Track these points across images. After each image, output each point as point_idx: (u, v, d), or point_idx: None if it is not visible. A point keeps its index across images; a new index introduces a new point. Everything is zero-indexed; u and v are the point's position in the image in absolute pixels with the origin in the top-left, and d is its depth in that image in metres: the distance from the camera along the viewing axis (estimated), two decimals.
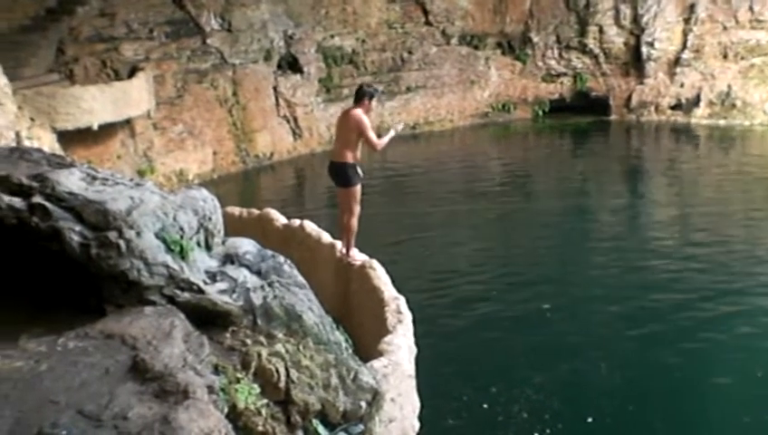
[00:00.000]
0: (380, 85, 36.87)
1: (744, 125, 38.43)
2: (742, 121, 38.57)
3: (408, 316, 10.19)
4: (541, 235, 25.93)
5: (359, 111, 11.92)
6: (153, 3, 31.66)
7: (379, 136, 12.31)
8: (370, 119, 12.01)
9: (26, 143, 19.57)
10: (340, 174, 12.08)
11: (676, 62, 40.11)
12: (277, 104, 35.34)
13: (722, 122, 38.82)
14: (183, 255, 6.52)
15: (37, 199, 6.31)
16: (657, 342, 18.34)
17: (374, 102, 12.11)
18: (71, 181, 6.50)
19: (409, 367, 8.97)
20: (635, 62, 40.98)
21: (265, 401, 6.22)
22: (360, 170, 12.05)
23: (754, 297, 20.50)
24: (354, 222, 12.15)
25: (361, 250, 12.36)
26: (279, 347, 6.56)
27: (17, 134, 20.46)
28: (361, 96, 12.03)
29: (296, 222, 13.63)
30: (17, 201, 6.35)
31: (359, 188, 12.10)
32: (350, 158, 11.92)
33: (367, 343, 9.58)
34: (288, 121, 35.59)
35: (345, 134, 12.02)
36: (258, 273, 6.92)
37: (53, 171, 6.70)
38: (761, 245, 24.60)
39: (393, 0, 39.43)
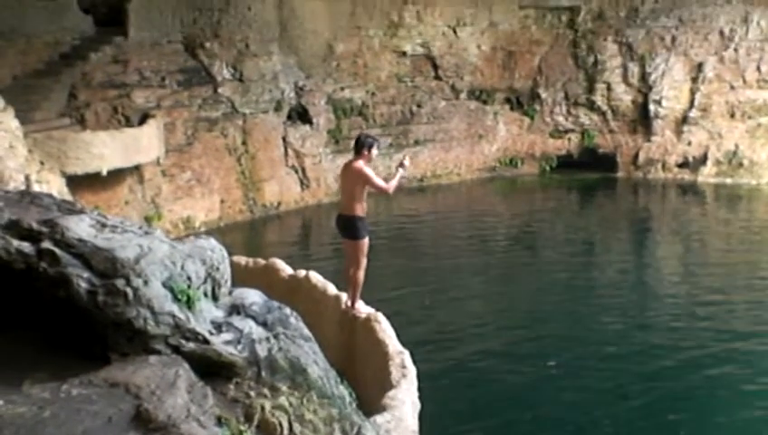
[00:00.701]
0: (389, 138, 37.11)
1: (750, 184, 38.48)
2: (749, 181, 38.62)
3: (412, 371, 10.16)
4: (546, 290, 25.88)
5: (360, 163, 11.94)
6: (166, 51, 31.94)
7: (386, 180, 12.31)
8: (373, 168, 12.03)
9: (35, 187, 19.63)
10: (348, 227, 12.09)
11: (684, 120, 40.28)
12: (286, 154, 35.47)
13: (729, 181, 38.87)
14: (190, 304, 6.51)
15: (46, 245, 6.32)
16: (662, 399, 18.22)
17: (374, 151, 12.08)
18: (80, 228, 6.52)
19: (413, 422, 8.93)
20: (642, 120, 41.16)
21: None
22: (367, 224, 12.07)
23: (760, 357, 20.39)
24: (360, 275, 12.15)
25: (366, 302, 12.35)
26: (283, 400, 6.52)
27: (27, 177, 20.57)
28: (360, 146, 12.03)
29: (302, 273, 13.64)
30: (26, 246, 6.36)
31: (366, 241, 12.10)
32: (358, 211, 11.94)
33: (370, 398, 9.54)
34: (296, 172, 35.70)
35: (350, 187, 12.03)
36: (264, 324, 6.90)
37: (63, 217, 6.72)
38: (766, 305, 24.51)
39: (403, 54, 39.75)
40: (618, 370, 19.88)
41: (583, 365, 20.08)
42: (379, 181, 11.91)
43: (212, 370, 6.43)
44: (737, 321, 22.88)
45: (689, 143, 40.14)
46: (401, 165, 12.35)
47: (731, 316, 23.14)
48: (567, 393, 18.57)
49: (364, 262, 12.14)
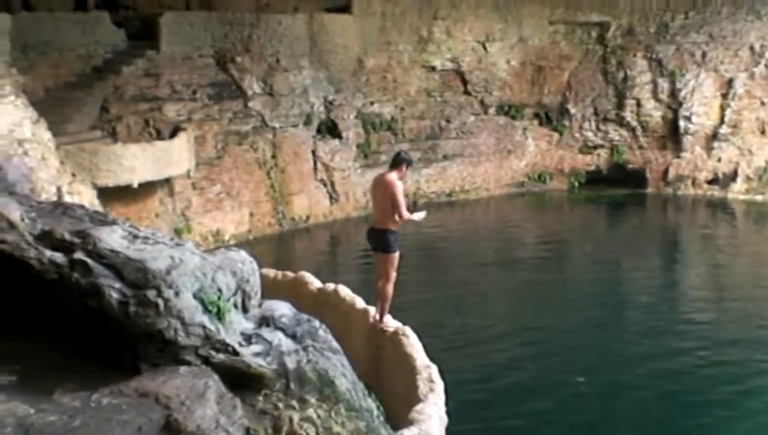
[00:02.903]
0: (418, 152, 37.15)
1: None
2: None
3: (439, 385, 10.15)
4: (575, 306, 25.74)
5: (393, 176, 12.02)
6: (197, 65, 32.11)
7: (414, 206, 12.40)
8: (404, 185, 12.10)
9: (67, 198, 19.79)
10: (381, 240, 12.12)
11: (714, 136, 40.06)
12: (315, 168, 35.56)
13: (759, 198, 38.59)
14: (220, 316, 6.57)
15: (79, 255, 6.39)
16: (689, 416, 18.13)
17: (405, 170, 12.24)
18: (112, 239, 6.59)
19: None
20: (672, 136, 40.97)
21: None
22: (398, 237, 12.10)
23: None
24: (389, 288, 12.16)
25: (394, 316, 12.35)
26: (311, 412, 6.55)
27: (58, 189, 20.75)
28: (399, 163, 12.15)
29: (330, 286, 13.66)
30: (59, 256, 6.43)
31: (397, 254, 12.13)
32: (391, 224, 11.98)
33: (397, 411, 9.54)
34: (325, 185, 35.78)
35: (383, 200, 12.08)
36: (293, 336, 6.94)
37: (95, 228, 6.79)
38: None
39: (433, 69, 39.80)
40: (645, 387, 19.74)
41: (614, 382, 19.96)
42: (402, 201, 11.93)
43: (241, 381, 6.47)
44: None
45: (719, 160, 39.93)
46: (418, 213, 12.45)
47: (762, 335, 22.92)
48: (596, 410, 18.47)
49: (394, 275, 12.16)
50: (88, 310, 6.41)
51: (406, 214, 12.05)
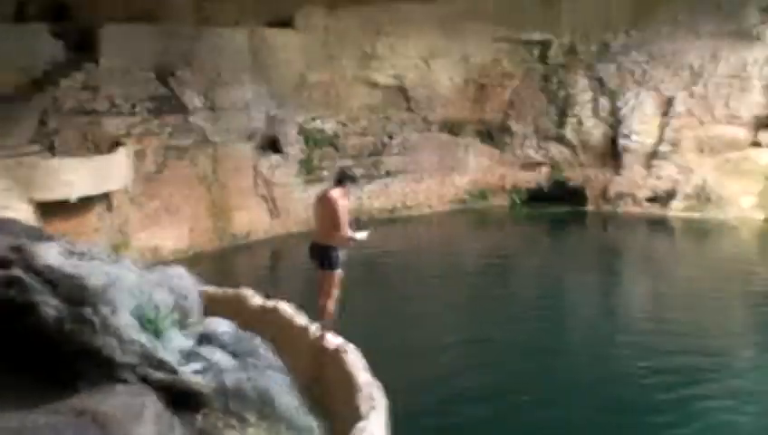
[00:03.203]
0: (360, 168, 37.17)
1: (719, 219, 38.71)
2: (717, 215, 38.86)
3: (381, 403, 10.09)
4: (516, 323, 25.84)
5: (337, 193, 11.93)
6: (137, 78, 31.81)
7: (358, 224, 12.33)
8: (348, 201, 12.01)
9: (2, 213, 19.45)
10: (323, 256, 12.02)
11: (654, 154, 40.62)
12: (256, 184, 35.40)
13: (697, 215, 39.12)
14: (157, 333, 6.47)
15: (15, 272, 6.25)
16: (629, 424, 18.29)
17: (349, 187, 12.14)
18: (49, 255, 6.47)
19: None
20: (612, 154, 41.49)
21: None
22: (343, 256, 12.01)
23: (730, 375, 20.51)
24: (331, 305, 12.06)
25: (336, 333, 12.26)
26: (251, 431, 6.47)
27: None
28: (343, 180, 12.06)
29: (271, 303, 13.54)
30: None
31: (340, 272, 12.04)
32: (333, 241, 11.90)
33: (340, 429, 9.46)
34: (266, 201, 35.62)
35: (324, 216, 11.99)
36: (233, 354, 6.86)
37: (32, 244, 6.66)
38: (731, 339, 24.63)
39: (376, 85, 39.88)
40: (586, 402, 19.86)
41: (556, 399, 20.03)
42: (344, 219, 11.84)
43: (180, 399, 6.37)
44: (705, 350, 22.94)
45: (659, 177, 40.45)
46: (361, 232, 12.34)
47: (699, 345, 23.19)
48: (540, 428, 18.52)
49: (336, 293, 12.06)
50: (24, 327, 6.27)
51: (348, 232, 11.96)
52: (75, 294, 6.21)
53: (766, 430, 18.20)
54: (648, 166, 40.65)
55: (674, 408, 19.22)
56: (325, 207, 12.00)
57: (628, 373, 21.41)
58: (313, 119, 37.97)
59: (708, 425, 18.45)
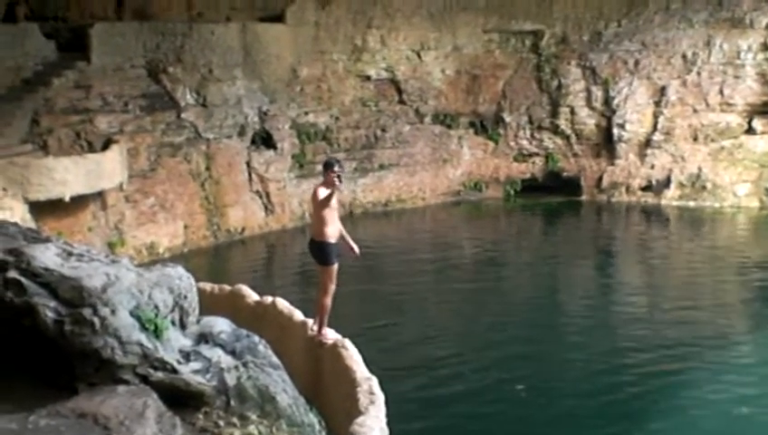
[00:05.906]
0: (353, 162, 37.18)
1: (713, 207, 38.83)
2: (712, 203, 38.97)
3: (380, 397, 10.11)
4: (512, 314, 25.92)
5: (321, 186, 11.85)
6: (129, 76, 31.75)
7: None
8: (338, 189, 11.76)
9: None
10: (318, 252, 12.04)
11: (647, 143, 40.63)
12: (250, 179, 35.34)
13: (692, 204, 39.20)
14: (157, 333, 6.46)
15: (12, 274, 6.25)
16: (626, 419, 18.35)
17: (336, 168, 11.75)
18: (46, 257, 6.46)
19: None
20: (606, 144, 41.48)
21: None
22: (337, 249, 12.02)
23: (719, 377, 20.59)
24: (327, 300, 12.09)
25: (333, 328, 12.28)
26: (252, 429, 6.48)
27: None
28: (326, 168, 11.88)
29: (268, 299, 13.54)
30: None
31: (335, 267, 12.05)
32: (327, 236, 11.89)
33: (338, 424, 9.49)
34: (260, 197, 35.56)
35: (317, 211, 11.99)
36: (233, 353, 6.86)
37: (29, 246, 6.65)
38: (727, 327, 24.75)
39: (368, 78, 39.81)
40: (583, 391, 19.94)
41: (551, 388, 20.11)
42: (318, 204, 11.72)
43: (181, 399, 6.37)
44: (700, 342, 23.03)
45: (652, 166, 40.48)
46: (351, 247, 12.38)
47: (695, 339, 23.28)
48: (536, 418, 18.58)
49: (332, 288, 12.08)
50: (23, 329, 6.27)
51: (324, 201, 11.76)
52: (74, 295, 6.21)
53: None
54: (642, 155, 40.67)
55: (668, 401, 19.38)
56: (313, 203, 12.02)
57: (623, 365, 21.53)
58: (306, 113, 37.88)
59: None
